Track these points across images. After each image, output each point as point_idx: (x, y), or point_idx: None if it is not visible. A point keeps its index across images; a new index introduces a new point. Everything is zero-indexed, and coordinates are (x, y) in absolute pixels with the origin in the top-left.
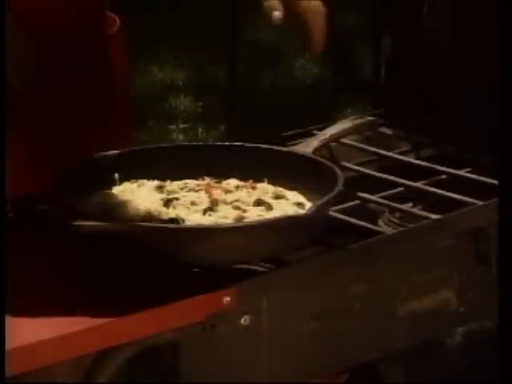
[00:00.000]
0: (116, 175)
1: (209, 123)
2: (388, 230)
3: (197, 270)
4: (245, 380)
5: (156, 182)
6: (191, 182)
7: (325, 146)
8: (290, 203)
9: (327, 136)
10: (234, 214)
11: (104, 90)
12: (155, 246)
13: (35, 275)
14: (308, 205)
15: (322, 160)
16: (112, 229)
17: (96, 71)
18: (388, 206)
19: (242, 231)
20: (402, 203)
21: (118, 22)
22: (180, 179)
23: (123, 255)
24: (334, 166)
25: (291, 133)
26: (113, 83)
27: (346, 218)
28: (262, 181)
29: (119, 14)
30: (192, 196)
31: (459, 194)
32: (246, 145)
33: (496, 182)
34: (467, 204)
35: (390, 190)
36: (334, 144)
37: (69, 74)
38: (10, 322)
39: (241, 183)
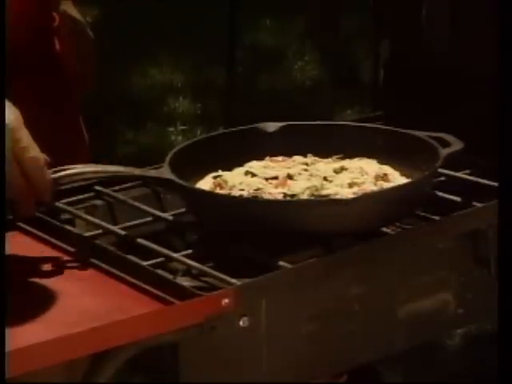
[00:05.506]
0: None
1: (207, 125)
2: (387, 232)
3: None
4: (244, 381)
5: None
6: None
7: None
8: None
9: None
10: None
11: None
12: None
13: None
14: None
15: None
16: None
17: (41, 70)
18: None
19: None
20: None
21: (57, 19)
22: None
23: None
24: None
25: None
26: (59, 82)
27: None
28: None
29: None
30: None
31: (458, 196)
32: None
33: (495, 183)
34: (466, 206)
35: None
36: None
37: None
38: (10, 323)
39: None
